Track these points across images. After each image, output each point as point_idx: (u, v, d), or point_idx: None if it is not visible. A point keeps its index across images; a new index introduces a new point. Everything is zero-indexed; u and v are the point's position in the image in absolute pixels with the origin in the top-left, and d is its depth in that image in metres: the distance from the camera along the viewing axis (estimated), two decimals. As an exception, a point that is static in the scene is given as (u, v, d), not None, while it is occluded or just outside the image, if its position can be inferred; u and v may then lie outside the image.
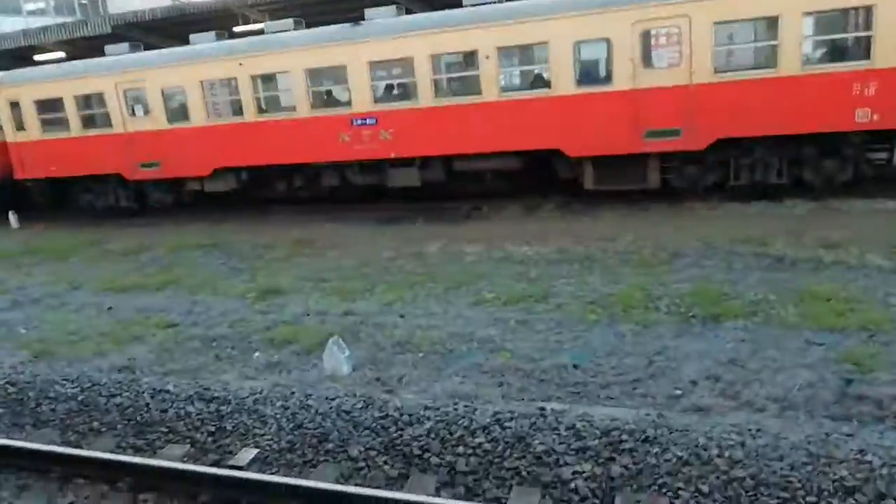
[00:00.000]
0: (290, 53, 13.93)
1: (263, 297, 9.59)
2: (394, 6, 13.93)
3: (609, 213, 12.58)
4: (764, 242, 9.63)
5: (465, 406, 5.38)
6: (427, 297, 8.87)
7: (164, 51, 15.84)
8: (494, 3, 12.69)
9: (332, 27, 13.91)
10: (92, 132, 16.45)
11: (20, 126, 17.17)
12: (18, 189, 18.60)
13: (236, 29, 17.52)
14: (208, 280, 10.77)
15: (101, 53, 16.47)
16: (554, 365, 6.37)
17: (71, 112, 16.43)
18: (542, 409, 5.11)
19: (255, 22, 18.45)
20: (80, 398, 6.17)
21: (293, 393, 5.71)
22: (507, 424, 4.91)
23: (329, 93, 14.47)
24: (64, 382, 6.56)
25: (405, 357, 6.91)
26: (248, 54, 14.31)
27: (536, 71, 12.80)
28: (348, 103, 13.90)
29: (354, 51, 13.42)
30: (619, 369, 6.19)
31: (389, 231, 13.03)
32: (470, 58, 12.92)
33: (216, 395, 5.89)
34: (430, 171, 13.98)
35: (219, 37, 15.76)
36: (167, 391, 6.05)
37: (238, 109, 14.83)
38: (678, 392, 5.61)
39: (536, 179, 14.19)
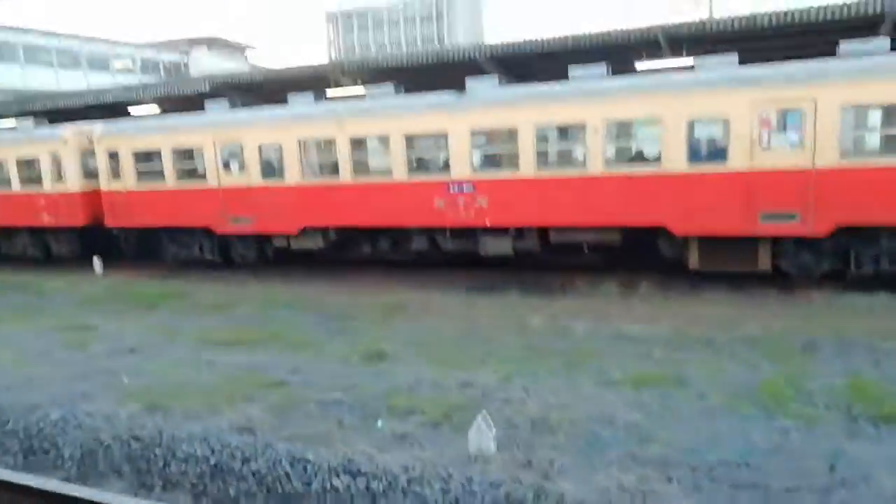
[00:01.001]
0: (392, 118, 14.07)
1: (368, 361, 9.26)
2: (496, 76, 14.05)
3: (715, 296, 12.01)
4: (908, 337, 8.94)
5: (648, 501, 4.84)
6: (547, 373, 8.39)
7: (263, 109, 16.22)
8: (601, 75, 12.66)
9: (435, 94, 14.05)
10: (186, 185, 16.76)
11: (115, 175, 17.63)
12: (103, 236, 19.04)
13: (329, 91, 17.88)
14: (306, 340, 10.50)
15: (193, 109, 16.96)
16: (720, 461, 5.79)
17: (167, 165, 16.81)
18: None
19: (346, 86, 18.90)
20: (211, 461, 5.82)
21: (451, 475, 5.24)
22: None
23: (427, 159, 14.47)
24: (190, 441, 6.24)
25: (546, 439, 6.41)
26: (349, 117, 14.51)
27: (647, 147, 12.55)
28: (446, 169, 13.85)
29: (457, 118, 13.46)
30: (797, 472, 5.57)
31: (483, 300, 12.67)
32: (576, 130, 12.81)
33: (362, 468, 5.46)
34: (524, 240, 13.70)
35: (317, 98, 16.13)
36: (307, 460, 5.65)
37: (334, 170, 14.94)
38: (884, 505, 4.97)
39: (632, 255, 13.79)
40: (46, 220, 18.94)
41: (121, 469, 5.86)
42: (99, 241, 19.38)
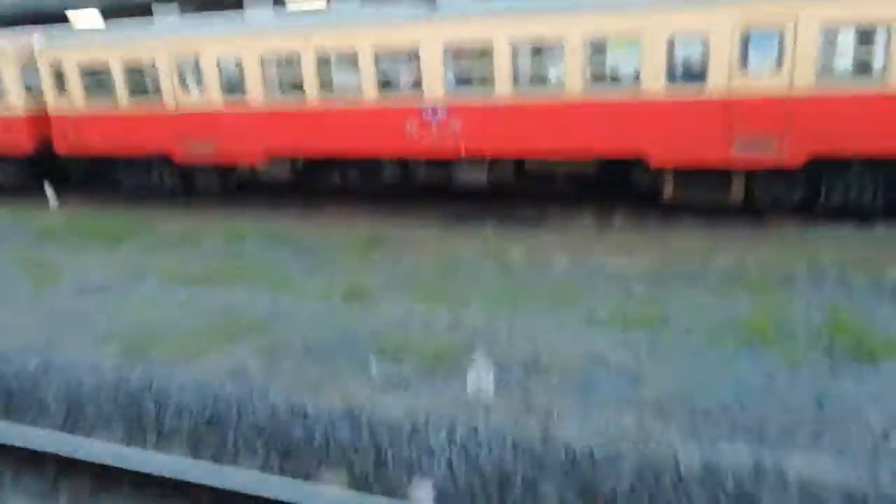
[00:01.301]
0: (360, 32, 13.16)
1: (350, 300, 9.10)
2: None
3: (691, 228, 12.11)
4: (880, 269, 9.20)
5: (654, 446, 4.93)
6: (534, 312, 8.39)
7: (222, 19, 15.06)
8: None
9: (408, 5, 13.23)
10: (140, 107, 15.67)
11: (62, 95, 16.42)
12: (52, 162, 18.00)
13: (290, 4, 16.82)
14: (282, 277, 10.24)
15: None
16: (716, 403, 5.92)
17: (118, 83, 15.65)
18: (758, 460, 4.65)
19: None
20: (206, 412, 5.68)
21: (454, 422, 5.22)
22: (721, 476, 4.46)
23: (399, 79, 13.69)
24: (182, 390, 6.06)
25: (540, 381, 6.45)
26: (316, 30, 13.52)
27: (625, 69, 12.13)
28: (419, 91, 13.23)
29: (429, 33, 12.74)
30: (789, 412, 5.75)
31: (459, 233, 12.51)
32: (554, 49, 12.23)
33: (363, 418, 5.40)
34: (499, 171, 13.45)
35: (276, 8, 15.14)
36: (305, 409, 5.56)
37: (300, 89, 14.07)
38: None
39: (605, 186, 13.71)
40: (-16, 146, 17.71)
41: (110, 420, 5.67)
42: (47, 168, 18.34)
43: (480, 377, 5.87)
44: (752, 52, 11.14)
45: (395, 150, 13.80)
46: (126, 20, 16.40)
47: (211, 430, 5.41)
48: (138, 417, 5.67)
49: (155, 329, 8.24)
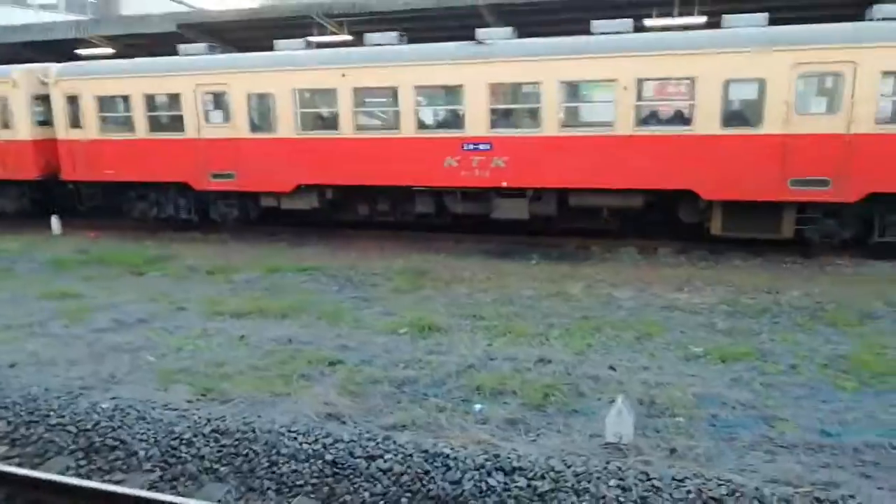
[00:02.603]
0: (402, 68, 13.08)
1: (422, 334, 8.57)
2: (510, 28, 13.24)
3: (741, 263, 11.94)
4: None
5: (835, 490, 4.51)
6: (621, 347, 7.98)
7: (252, 54, 14.84)
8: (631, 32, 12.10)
9: (450, 44, 13.13)
10: (160, 135, 15.25)
11: (75, 123, 15.86)
12: (54, 191, 17.29)
13: (312, 39, 16.54)
14: (334, 310, 9.67)
15: (150, 54, 15.38)
16: (866, 443, 5.53)
17: (138, 112, 15.22)
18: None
19: (332, 34, 17.58)
20: (326, 457, 5.09)
21: (628, 470, 4.72)
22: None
23: (439, 114, 13.61)
24: (286, 433, 5.46)
25: (667, 422, 5.99)
26: (353, 65, 13.39)
27: (679, 107, 12.12)
28: (460, 126, 13.05)
29: (475, 71, 12.62)
30: (946, 452, 5.38)
31: (507, 266, 12.13)
32: (604, 88, 12.26)
33: (511, 463, 4.87)
34: (541, 203, 13.16)
35: (308, 45, 14.90)
36: (443, 455, 5.01)
37: (334, 123, 13.85)
38: None
39: (645, 220, 13.51)
40: (-11, 171, 16.94)
41: (217, 471, 5.04)
42: (49, 197, 17.60)
43: (622, 419, 5.39)
44: (809, 94, 11.19)
45: (432, 182, 13.47)
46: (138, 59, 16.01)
47: (339, 480, 4.82)
48: (249, 467, 5.04)
49: (219, 365, 7.60)
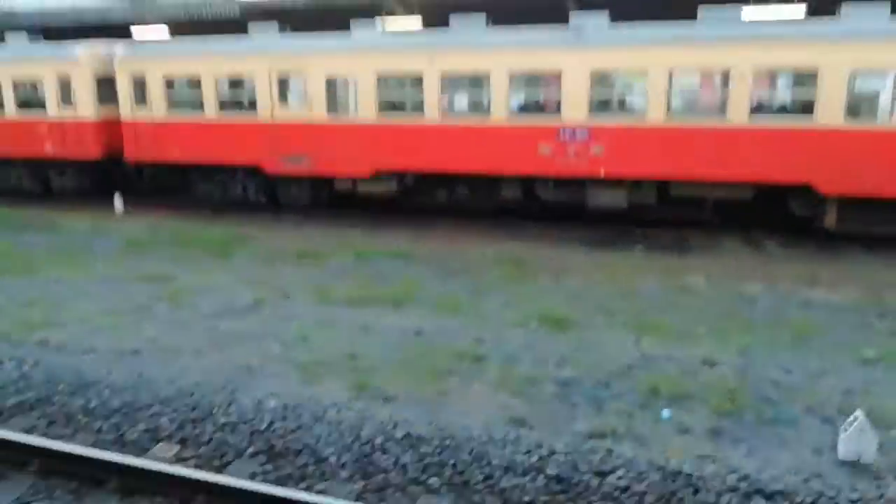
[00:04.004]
0: (495, 54, 12.49)
1: (554, 329, 8.04)
2: (606, 13, 12.59)
3: (859, 258, 11.32)
4: None
5: None
6: (783, 347, 7.42)
7: (331, 37, 14.26)
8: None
9: (547, 29, 12.53)
10: (231, 117, 14.73)
11: (140, 103, 15.36)
12: (112, 171, 16.86)
13: (384, 23, 15.95)
14: (449, 300, 9.15)
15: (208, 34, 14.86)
16: None
17: (208, 94, 14.70)
18: None
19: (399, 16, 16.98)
20: (548, 471, 4.57)
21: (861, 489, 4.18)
22: None
23: (534, 100, 13.01)
24: (496, 442, 4.94)
25: (887, 436, 5.43)
26: (442, 50, 12.81)
27: (800, 98, 11.45)
28: (555, 113, 12.46)
29: (574, 57, 12.02)
30: None
31: (611, 257, 11.55)
32: (716, 77, 11.62)
33: (771, 486, 4.34)
34: (640, 193, 12.58)
35: (383, 29, 14.34)
36: (681, 472, 4.48)
37: (419, 108, 13.28)
38: None
39: (744, 211, 12.91)
40: (50, 150, 16.49)
41: (426, 483, 4.52)
42: (107, 176, 17.16)
43: (864, 437, 4.84)
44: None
45: (523, 170, 12.90)
46: (194, 37, 15.51)
47: (573, 499, 4.29)
48: (461, 479, 4.52)
49: (354, 357, 7.11)
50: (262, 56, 14.18)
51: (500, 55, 12.47)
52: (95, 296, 9.36)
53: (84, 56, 15.70)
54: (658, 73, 11.63)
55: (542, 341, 7.67)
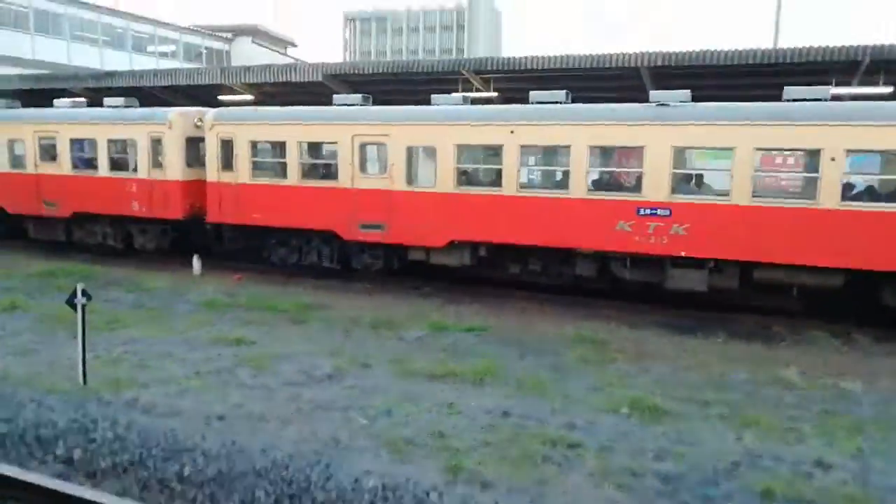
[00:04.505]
0: (575, 126, 12.57)
1: (648, 418, 7.69)
2: (688, 91, 12.61)
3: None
4: None
5: None
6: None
7: (412, 107, 14.68)
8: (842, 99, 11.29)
9: (629, 105, 12.60)
10: (312, 183, 15.14)
11: (227, 166, 15.96)
12: (191, 232, 17.42)
13: (465, 95, 16.34)
14: (533, 380, 8.90)
15: (284, 103, 15.42)
16: None
17: (292, 159, 15.18)
18: None
19: (476, 90, 17.41)
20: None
21: None
22: None
23: (613, 175, 13.01)
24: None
25: None
26: (523, 122, 13.00)
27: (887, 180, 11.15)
28: (636, 189, 12.37)
29: (657, 132, 12.00)
30: None
31: (692, 343, 11.14)
32: (807, 156, 11.42)
33: None
34: (722, 276, 12.22)
35: (465, 100, 14.68)
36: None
37: (496, 179, 13.41)
38: None
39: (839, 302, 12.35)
40: (136, 209, 17.15)
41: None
42: (186, 237, 17.72)
43: None
44: None
45: (600, 246, 12.74)
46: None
47: None
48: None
49: (442, 436, 6.92)
50: (344, 124, 14.60)
51: (581, 129, 12.52)
52: (178, 357, 9.48)
53: (176, 119, 16.48)
54: (744, 150, 11.46)
55: (637, 430, 7.33)
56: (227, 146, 15.92)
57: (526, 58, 16.21)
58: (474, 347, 10.54)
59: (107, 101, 18.23)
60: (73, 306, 7.87)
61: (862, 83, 14.32)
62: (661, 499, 5.72)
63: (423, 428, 7.15)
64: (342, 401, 7.93)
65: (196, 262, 16.37)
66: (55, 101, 19.13)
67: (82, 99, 19.74)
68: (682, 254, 12.12)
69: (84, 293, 7.85)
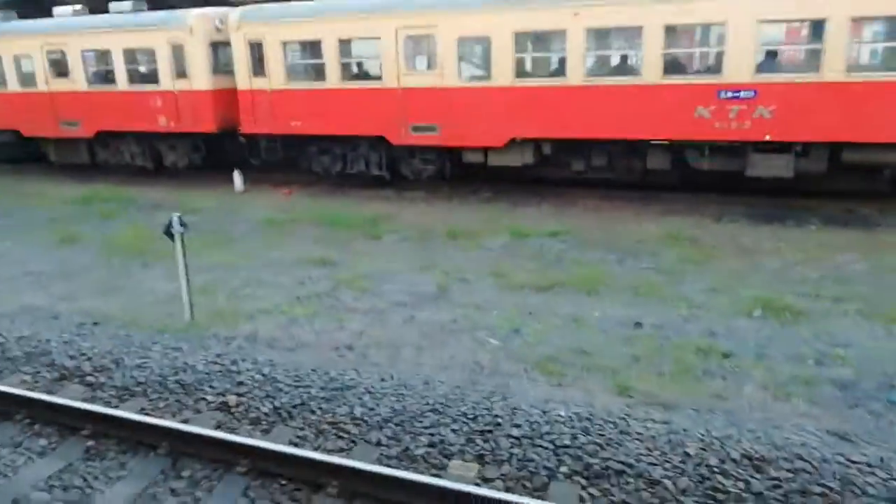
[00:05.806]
0: (648, 5, 11.48)
1: (783, 318, 7.37)
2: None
3: None
4: None
5: None
6: None
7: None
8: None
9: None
10: (354, 84, 14.16)
11: (258, 71, 14.87)
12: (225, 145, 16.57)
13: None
14: (647, 285, 8.51)
15: None
16: None
17: (330, 60, 14.09)
18: None
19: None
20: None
21: None
22: None
23: (690, 57, 12.08)
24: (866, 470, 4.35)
25: None
26: (588, 3, 11.87)
27: None
28: (714, 71, 11.52)
29: (739, 7, 10.98)
30: None
31: (788, 233, 10.70)
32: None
33: None
34: (809, 159, 11.63)
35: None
36: None
37: (560, 69, 12.48)
38: None
39: None
40: (163, 124, 16.20)
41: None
42: (219, 150, 16.88)
43: None
44: None
45: (676, 135, 12.06)
46: None
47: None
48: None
49: (586, 353, 6.59)
50: (387, 16, 13.40)
51: (654, 7, 11.46)
52: (268, 283, 9.02)
53: (196, 23, 15.19)
54: (840, 20, 10.51)
55: (781, 334, 7.02)
56: (255, 49, 14.78)
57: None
58: (565, 253, 10.11)
59: (112, 6, 16.78)
60: (171, 236, 7.32)
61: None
62: (852, 409, 5.44)
63: (561, 346, 6.81)
64: (462, 321, 7.55)
65: (237, 178, 15.62)
66: (55, 10, 17.65)
67: (79, 6, 18.11)
68: (768, 138, 11.47)
69: (181, 222, 7.27)
